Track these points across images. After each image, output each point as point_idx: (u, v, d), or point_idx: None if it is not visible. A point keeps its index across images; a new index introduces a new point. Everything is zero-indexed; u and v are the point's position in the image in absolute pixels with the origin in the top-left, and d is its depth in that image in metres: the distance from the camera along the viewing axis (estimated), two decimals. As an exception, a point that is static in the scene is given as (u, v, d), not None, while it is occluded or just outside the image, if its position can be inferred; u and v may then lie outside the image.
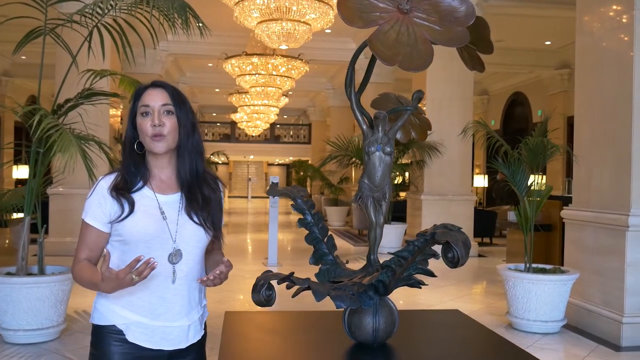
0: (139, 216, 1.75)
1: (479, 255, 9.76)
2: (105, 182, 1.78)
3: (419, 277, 2.15)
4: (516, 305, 5.20)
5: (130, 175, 1.79)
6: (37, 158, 4.56)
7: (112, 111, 9.36)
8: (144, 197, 1.78)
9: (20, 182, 13.43)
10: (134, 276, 1.57)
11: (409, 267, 2.05)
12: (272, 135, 27.80)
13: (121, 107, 10.02)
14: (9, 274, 4.61)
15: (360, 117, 2.19)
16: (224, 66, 11.95)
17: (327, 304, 2.10)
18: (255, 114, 18.59)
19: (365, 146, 2.16)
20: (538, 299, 5.06)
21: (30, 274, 4.62)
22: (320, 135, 22.24)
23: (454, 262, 1.81)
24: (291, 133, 28.32)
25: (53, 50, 6.85)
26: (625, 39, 4.96)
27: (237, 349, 2.15)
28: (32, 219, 4.69)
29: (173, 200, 1.81)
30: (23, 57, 12.57)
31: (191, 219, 1.80)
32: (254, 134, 24.74)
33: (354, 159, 10.45)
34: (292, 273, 1.89)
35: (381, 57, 1.72)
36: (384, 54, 1.73)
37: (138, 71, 9.79)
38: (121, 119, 11.73)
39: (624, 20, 4.99)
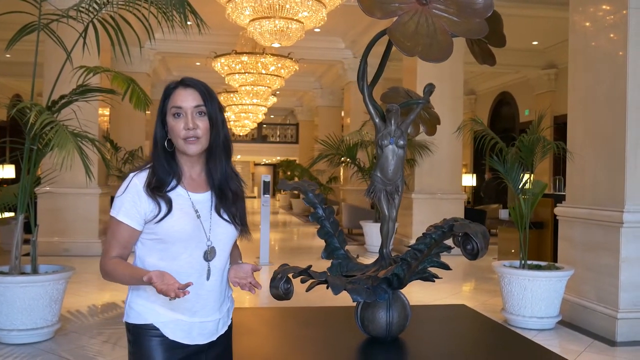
0: (176, 216, 1.72)
1: (469, 254, 9.81)
2: (139, 180, 1.73)
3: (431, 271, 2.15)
4: (512, 301, 5.22)
5: (164, 174, 1.75)
6: (31, 155, 4.49)
7: (100, 110, 9.26)
8: (178, 196, 1.76)
9: (5, 182, 13.24)
10: (172, 294, 1.53)
11: (424, 260, 2.05)
12: (259, 135, 27.72)
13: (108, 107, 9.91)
14: (1, 273, 4.53)
15: (372, 110, 2.18)
16: (213, 65, 11.89)
17: (329, 300, 2.09)
18: (243, 113, 18.53)
19: (378, 139, 2.15)
20: (533, 296, 5.09)
21: (23, 273, 4.55)
22: (308, 135, 22.24)
23: (473, 254, 1.81)
24: (278, 133, 28.27)
25: (40, 48, 6.77)
26: (618, 37, 5.01)
27: (250, 344, 2.13)
28: (24, 217, 4.61)
29: (205, 199, 1.80)
30: (7, 56, 12.37)
31: (222, 217, 1.80)
32: (241, 134, 24.66)
33: (344, 158, 10.45)
34: (310, 266, 1.88)
35: (401, 47, 1.72)
36: (404, 44, 1.72)
37: (126, 69, 9.72)
38: (109, 119, 11.62)
39: (616, 19, 5.04)
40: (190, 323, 1.76)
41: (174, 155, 1.78)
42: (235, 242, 1.97)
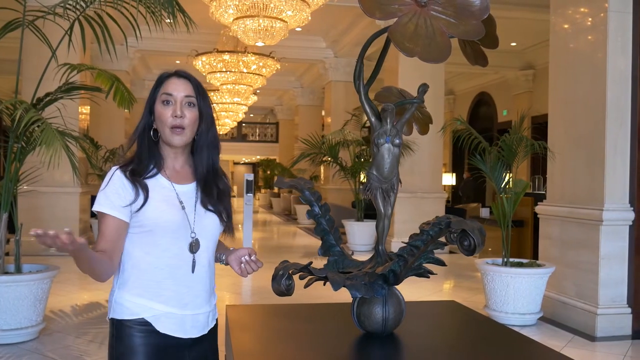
0: (163, 205, 1.74)
1: (450, 252, 9.92)
2: (121, 172, 1.76)
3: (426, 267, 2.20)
4: (494, 298, 5.32)
5: (143, 161, 1.78)
6: (15, 153, 4.44)
7: (79, 108, 9.16)
8: (162, 187, 1.78)
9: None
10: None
11: (420, 256, 2.08)
12: (239, 134, 27.61)
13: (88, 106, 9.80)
14: (-16, 273, 4.48)
15: (368, 110, 2.21)
16: (194, 63, 11.83)
17: (318, 298, 2.11)
18: (223, 112, 18.47)
19: (375, 138, 2.18)
20: (516, 292, 5.19)
21: (6, 273, 4.50)
22: (288, 134, 22.23)
23: (470, 250, 1.85)
24: (258, 132, 28.19)
25: (17, 45, 6.69)
26: (597, 39, 5.12)
27: (246, 340, 2.15)
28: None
29: (189, 190, 1.82)
30: (-17, 52, 12.15)
31: (207, 209, 1.82)
32: (220, 132, 24.54)
33: (326, 157, 10.49)
34: (310, 263, 1.91)
35: (401, 48, 1.75)
36: (404, 45, 1.76)
37: (105, 67, 9.60)
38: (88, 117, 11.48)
39: (595, 22, 5.15)
40: (182, 316, 1.77)
41: (158, 145, 1.81)
42: (230, 232, 2.00)
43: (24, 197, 8.37)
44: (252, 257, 1.83)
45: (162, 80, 1.79)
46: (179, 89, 1.76)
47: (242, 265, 1.87)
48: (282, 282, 1.87)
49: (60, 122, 4.68)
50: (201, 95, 1.80)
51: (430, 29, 1.80)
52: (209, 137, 1.83)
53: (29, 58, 7.99)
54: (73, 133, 4.83)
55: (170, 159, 1.82)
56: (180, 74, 1.79)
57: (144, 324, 1.73)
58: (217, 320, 1.93)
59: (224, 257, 1.95)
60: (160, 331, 1.73)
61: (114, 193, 1.72)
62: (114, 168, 1.78)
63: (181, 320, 1.76)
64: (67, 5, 4.27)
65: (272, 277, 1.90)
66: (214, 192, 1.84)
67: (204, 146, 1.82)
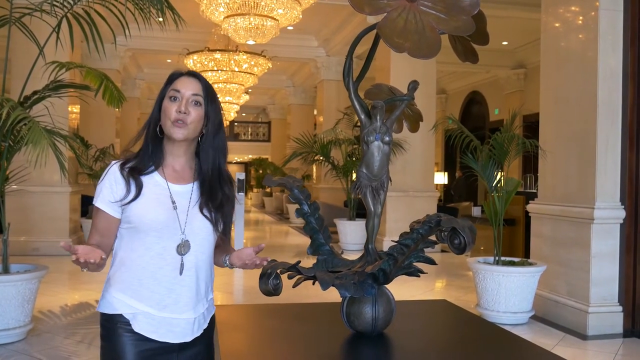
0: (152, 203, 1.72)
1: (442, 251, 9.92)
2: (117, 167, 1.76)
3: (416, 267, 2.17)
4: (486, 297, 5.30)
5: (144, 157, 1.77)
6: (2, 152, 4.38)
7: (69, 107, 9.08)
8: (156, 184, 1.76)
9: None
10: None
11: (410, 255, 2.06)
12: (230, 133, 27.51)
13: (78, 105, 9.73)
14: (-29, 273, 4.42)
15: (358, 107, 2.19)
16: (185, 62, 11.78)
17: (309, 297, 2.09)
18: (215, 111, 18.42)
19: (364, 135, 2.16)
20: (507, 291, 5.18)
21: (-6, 273, 4.44)
22: (280, 133, 22.18)
23: (460, 248, 1.84)
24: (250, 131, 28.12)
25: (3, 43, 6.62)
26: (587, 38, 5.12)
27: (235, 341, 2.12)
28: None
29: (185, 191, 1.78)
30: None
31: (202, 213, 1.78)
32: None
33: (318, 156, 10.47)
34: (299, 262, 1.88)
35: (390, 44, 1.73)
36: (393, 41, 1.73)
37: (95, 66, 9.51)
38: (79, 116, 11.40)
39: (586, 20, 5.15)
40: (159, 317, 1.72)
41: (162, 142, 1.79)
42: (228, 243, 1.96)
43: (13, 197, 8.29)
44: (255, 261, 1.78)
45: (173, 78, 1.79)
46: (187, 87, 1.75)
47: (244, 265, 1.80)
48: (269, 281, 1.84)
49: (49, 120, 4.63)
50: (210, 97, 1.78)
51: (420, 25, 1.78)
52: (215, 140, 1.80)
53: (16, 56, 7.93)
54: (62, 132, 4.76)
55: (171, 158, 1.80)
56: (191, 74, 1.80)
57: (127, 324, 1.71)
58: (208, 330, 1.84)
59: (227, 259, 1.88)
60: (135, 330, 1.70)
61: (107, 187, 1.74)
62: (113, 162, 1.79)
63: (157, 322, 1.72)
64: (55, 3, 4.22)
65: (260, 277, 1.87)
66: (219, 196, 1.80)
67: (209, 148, 1.79)
